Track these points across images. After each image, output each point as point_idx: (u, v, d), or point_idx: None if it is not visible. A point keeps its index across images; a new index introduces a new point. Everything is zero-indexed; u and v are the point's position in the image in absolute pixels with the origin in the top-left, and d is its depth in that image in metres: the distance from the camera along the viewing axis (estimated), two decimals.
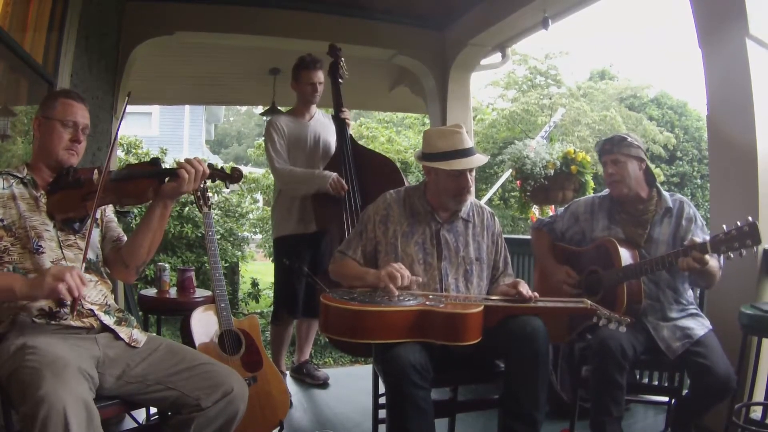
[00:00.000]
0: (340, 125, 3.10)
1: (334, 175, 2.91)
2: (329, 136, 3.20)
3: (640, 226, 2.25)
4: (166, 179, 1.69)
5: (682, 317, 2.18)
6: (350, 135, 3.12)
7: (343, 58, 3.20)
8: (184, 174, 1.65)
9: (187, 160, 1.69)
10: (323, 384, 3.29)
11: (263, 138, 3.17)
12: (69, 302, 1.47)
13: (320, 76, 3.10)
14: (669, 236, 2.21)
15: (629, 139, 2.25)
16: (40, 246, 1.62)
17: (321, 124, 3.21)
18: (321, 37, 3.67)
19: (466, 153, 1.97)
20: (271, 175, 3.17)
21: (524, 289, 1.91)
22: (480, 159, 2.01)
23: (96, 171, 1.69)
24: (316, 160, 3.13)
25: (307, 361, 3.40)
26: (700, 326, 2.14)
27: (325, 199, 2.93)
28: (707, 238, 2.03)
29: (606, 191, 2.37)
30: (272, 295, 3.81)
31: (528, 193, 3.97)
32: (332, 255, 2.87)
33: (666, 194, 2.26)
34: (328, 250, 3.02)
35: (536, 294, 1.92)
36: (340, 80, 3.17)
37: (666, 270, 2.13)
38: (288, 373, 3.37)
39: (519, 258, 3.84)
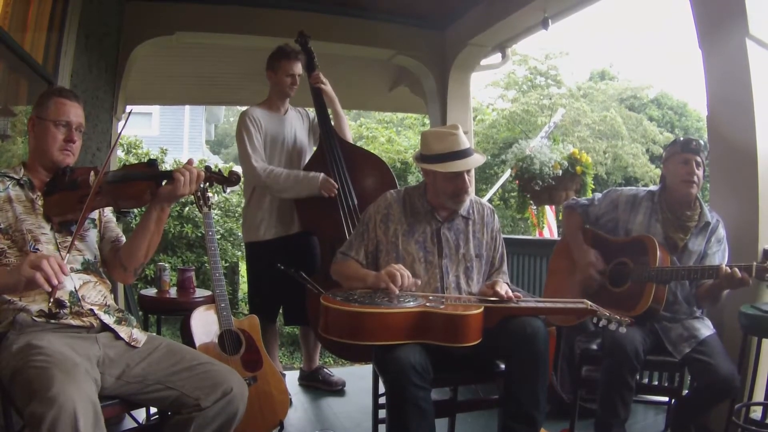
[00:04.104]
0: (318, 99, 2.95)
1: (322, 175, 2.79)
2: (303, 133, 3.07)
3: (681, 231, 2.26)
4: (164, 182, 1.68)
5: (689, 318, 2.21)
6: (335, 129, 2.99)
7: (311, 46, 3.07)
8: (180, 177, 1.64)
9: (183, 165, 1.69)
10: (340, 390, 3.14)
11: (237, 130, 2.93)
12: (48, 291, 1.39)
13: (299, 68, 2.94)
14: (701, 249, 2.24)
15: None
16: (37, 249, 1.62)
17: (296, 119, 3.07)
18: (321, 37, 3.67)
19: (462, 154, 1.96)
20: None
21: (501, 289, 1.89)
22: (477, 160, 2.00)
23: (92, 172, 1.68)
24: (294, 158, 2.99)
25: (320, 367, 3.26)
26: (705, 327, 2.17)
27: (311, 199, 2.80)
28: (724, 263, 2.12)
29: (652, 188, 2.39)
30: None
31: (528, 194, 3.98)
32: (323, 256, 2.88)
33: (706, 208, 2.28)
34: (317, 252, 2.95)
35: (518, 294, 1.92)
36: (316, 68, 3.03)
37: (691, 281, 2.18)
38: (298, 381, 3.27)
39: (519, 258, 3.85)
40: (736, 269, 1.97)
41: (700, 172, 2.23)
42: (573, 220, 2.48)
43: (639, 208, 2.34)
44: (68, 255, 1.52)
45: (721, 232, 2.26)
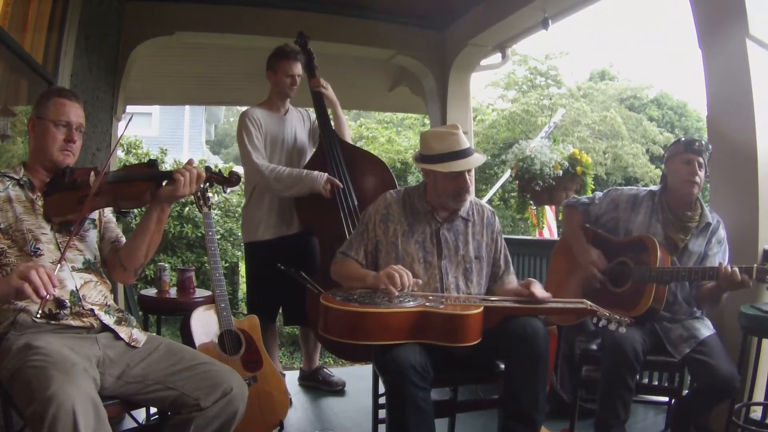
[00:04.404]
0: (318, 101, 2.95)
1: (325, 175, 2.78)
2: (304, 133, 3.07)
3: (681, 232, 2.25)
4: (164, 182, 1.68)
5: (689, 318, 2.21)
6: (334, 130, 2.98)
7: (311, 48, 3.07)
8: (180, 177, 1.64)
9: (183, 166, 1.69)
10: (340, 390, 3.16)
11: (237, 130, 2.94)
12: (37, 302, 1.38)
13: (299, 68, 2.94)
14: (702, 250, 2.23)
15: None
16: (38, 249, 1.62)
17: (297, 119, 3.06)
18: (321, 37, 3.67)
19: (462, 154, 1.97)
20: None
21: (537, 290, 1.89)
22: (477, 159, 2.00)
23: (93, 172, 1.68)
24: (294, 158, 2.99)
25: (320, 368, 3.27)
26: (705, 328, 2.17)
27: (311, 199, 2.80)
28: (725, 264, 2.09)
29: (653, 188, 2.38)
30: None
31: (528, 194, 3.98)
32: (322, 257, 2.88)
33: (707, 209, 2.27)
34: (316, 252, 2.95)
35: (549, 294, 1.91)
36: (315, 68, 3.03)
37: (692, 282, 2.17)
38: (298, 381, 3.28)
39: (519, 258, 3.85)
40: (737, 270, 1.97)
41: (701, 173, 2.22)
42: (574, 218, 2.46)
43: (639, 208, 2.33)
44: (61, 265, 1.52)
45: (722, 233, 2.25)
